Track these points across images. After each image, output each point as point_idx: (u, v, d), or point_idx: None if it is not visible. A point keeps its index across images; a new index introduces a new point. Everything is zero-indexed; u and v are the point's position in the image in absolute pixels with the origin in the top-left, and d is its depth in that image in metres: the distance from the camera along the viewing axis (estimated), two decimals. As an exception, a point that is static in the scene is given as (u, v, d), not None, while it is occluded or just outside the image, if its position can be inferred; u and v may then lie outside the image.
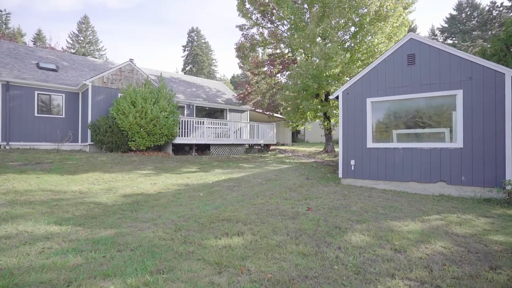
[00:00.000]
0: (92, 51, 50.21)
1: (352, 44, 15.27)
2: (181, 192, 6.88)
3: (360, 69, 13.93)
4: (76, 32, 49.81)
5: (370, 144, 8.12)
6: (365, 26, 13.98)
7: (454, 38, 43.80)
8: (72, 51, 46.86)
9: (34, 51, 16.47)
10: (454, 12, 44.97)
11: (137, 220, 4.70)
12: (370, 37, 14.58)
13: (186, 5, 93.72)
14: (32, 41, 44.89)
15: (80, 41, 49.57)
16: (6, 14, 44.48)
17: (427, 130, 7.45)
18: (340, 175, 8.63)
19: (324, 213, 5.16)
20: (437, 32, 47.31)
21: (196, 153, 14.87)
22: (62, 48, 42.57)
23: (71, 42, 48.97)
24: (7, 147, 12.30)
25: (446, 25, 45.93)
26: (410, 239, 3.87)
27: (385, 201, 6.25)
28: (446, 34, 45.64)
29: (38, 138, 13.07)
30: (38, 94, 13.08)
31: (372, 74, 8.19)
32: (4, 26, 43.79)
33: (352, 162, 8.38)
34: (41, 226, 4.25)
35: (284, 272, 2.96)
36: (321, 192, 7.17)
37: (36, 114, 13.04)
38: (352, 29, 15.27)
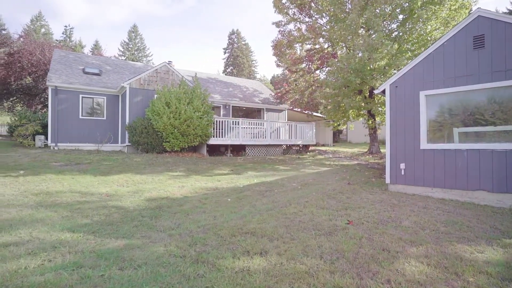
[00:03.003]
0: (140, 57, 53.36)
1: (401, 33, 13.67)
2: (208, 197, 6.41)
3: (410, 60, 12.37)
4: (127, 40, 53.41)
5: (424, 145, 6.91)
6: (416, 11, 12.40)
7: (523, 23, 38.27)
8: (123, 58, 50.18)
9: (81, 57, 17.51)
10: (524, -7, 39.33)
11: (153, 229, 4.28)
12: (421, 24, 12.92)
13: (227, 8, 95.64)
14: (90, 51, 48.92)
15: (129, 48, 53.03)
16: (70, 28, 49.40)
17: (500, 128, 6.05)
18: (388, 181, 7.52)
19: (368, 229, 4.27)
20: (501, 17, 41.83)
21: (231, 154, 14.50)
22: (115, 56, 45.71)
23: (122, 50, 52.62)
24: (55, 148, 13.06)
25: (513, 9, 40.38)
26: (491, 274, 2.86)
27: (446, 215, 5.12)
28: (513, 19, 40.09)
29: (83, 139, 13.73)
30: (82, 97, 13.75)
31: (427, 62, 6.96)
32: (68, 39, 48.55)
33: (402, 165, 7.23)
34: (54, 232, 4.02)
35: (312, 316, 2.24)
36: (364, 200, 6.20)
37: (80, 117, 13.73)
38: (400, 17, 13.69)
